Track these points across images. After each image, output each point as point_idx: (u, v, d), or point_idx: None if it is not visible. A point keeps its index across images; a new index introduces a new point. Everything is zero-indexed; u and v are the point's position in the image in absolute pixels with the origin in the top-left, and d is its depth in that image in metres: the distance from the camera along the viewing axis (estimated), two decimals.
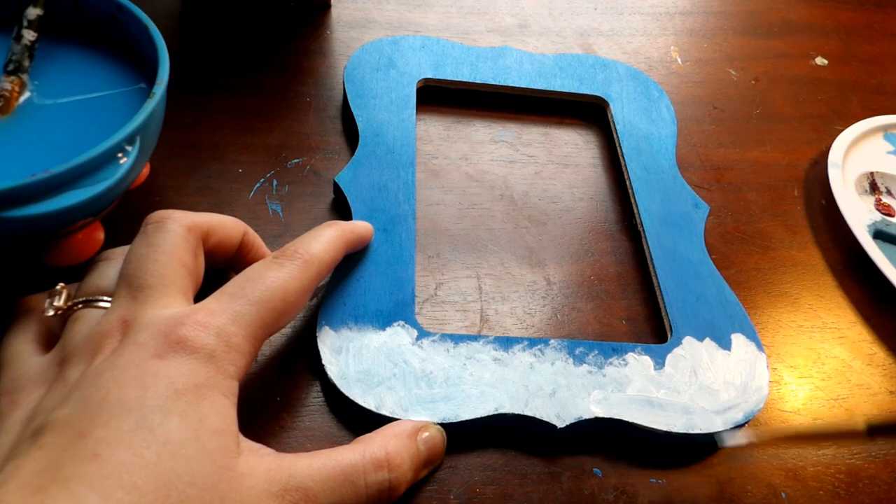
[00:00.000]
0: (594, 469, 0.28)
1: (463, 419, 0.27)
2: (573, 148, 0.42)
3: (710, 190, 0.41)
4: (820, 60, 0.52)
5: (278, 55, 0.42)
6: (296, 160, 0.37)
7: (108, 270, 0.25)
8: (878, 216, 0.40)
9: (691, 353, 0.31)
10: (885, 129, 0.46)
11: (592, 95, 0.43)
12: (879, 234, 0.39)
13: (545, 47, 0.47)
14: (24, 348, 0.24)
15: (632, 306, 0.34)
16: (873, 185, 0.43)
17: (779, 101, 0.48)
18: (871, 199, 0.42)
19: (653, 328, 0.34)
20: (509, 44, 0.46)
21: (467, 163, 0.39)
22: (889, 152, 0.45)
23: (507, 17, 0.49)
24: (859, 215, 0.39)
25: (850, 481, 0.30)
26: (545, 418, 0.28)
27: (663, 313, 0.33)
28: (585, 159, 0.41)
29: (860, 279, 0.38)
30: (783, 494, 0.29)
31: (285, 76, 0.41)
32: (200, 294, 0.24)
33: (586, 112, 0.44)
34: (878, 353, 0.35)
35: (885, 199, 0.42)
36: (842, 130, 0.44)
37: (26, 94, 0.30)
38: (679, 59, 0.50)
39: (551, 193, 0.39)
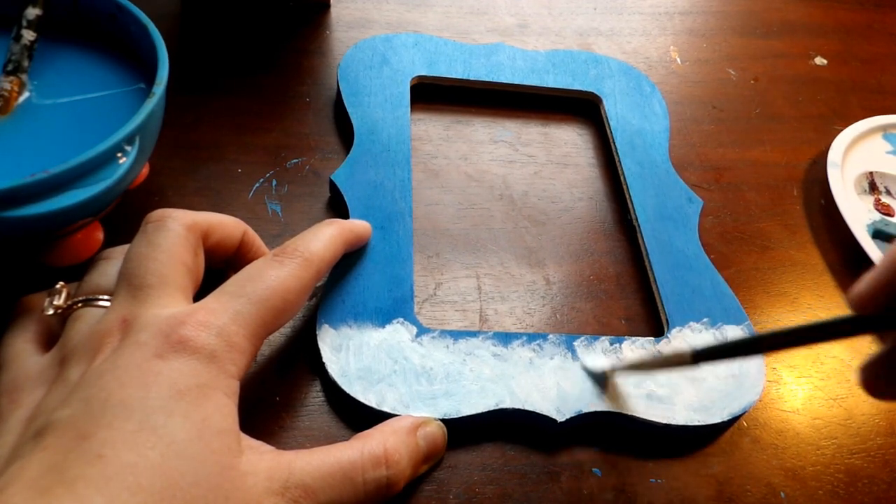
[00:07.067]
0: (593, 469, 0.28)
1: (464, 414, 0.27)
2: (572, 147, 0.42)
3: (710, 190, 0.41)
4: (819, 60, 0.52)
5: (278, 55, 0.42)
6: (295, 160, 0.37)
7: (109, 269, 0.25)
8: (877, 216, 0.40)
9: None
10: (884, 128, 0.46)
11: (585, 91, 0.43)
12: (879, 234, 0.39)
13: (544, 47, 0.47)
14: (24, 348, 0.24)
15: (630, 306, 0.34)
16: (872, 184, 0.43)
17: (778, 100, 0.48)
18: (871, 199, 0.42)
19: (651, 327, 0.34)
20: (509, 44, 0.46)
21: (466, 163, 0.39)
22: (888, 152, 0.45)
23: (507, 17, 0.49)
24: (858, 215, 0.40)
25: (849, 481, 0.30)
26: (545, 412, 0.28)
27: (660, 307, 0.33)
28: (585, 159, 0.41)
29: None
30: (782, 494, 0.29)
31: (284, 76, 0.41)
32: (200, 293, 0.25)
33: (581, 108, 0.44)
34: None
35: (885, 199, 0.42)
36: (841, 130, 0.44)
37: (25, 94, 0.30)
38: (678, 59, 0.50)
39: (550, 193, 0.39)
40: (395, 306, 0.30)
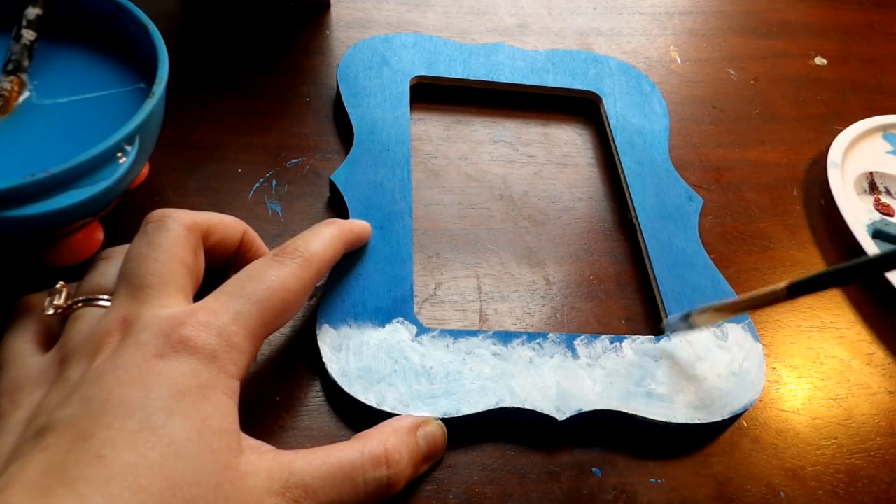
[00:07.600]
0: (593, 468, 0.28)
1: (464, 414, 0.27)
2: (572, 147, 0.42)
3: (710, 190, 0.41)
4: (819, 60, 0.52)
5: (278, 55, 0.42)
6: (295, 160, 0.37)
7: (109, 269, 0.25)
8: (877, 216, 0.40)
9: (688, 344, 0.31)
10: (884, 128, 0.46)
11: (585, 91, 0.43)
12: (878, 234, 0.39)
13: (544, 47, 0.47)
14: (25, 347, 0.24)
15: (630, 306, 0.34)
16: (872, 184, 0.43)
17: (778, 100, 0.48)
18: (871, 199, 0.42)
19: (651, 327, 0.34)
20: (509, 44, 0.46)
21: (467, 162, 0.39)
22: (888, 152, 0.45)
23: (507, 17, 0.49)
24: (858, 215, 0.40)
25: (849, 481, 0.30)
26: (545, 411, 0.28)
27: (660, 305, 0.33)
28: (585, 159, 0.41)
29: None
30: (782, 494, 0.29)
31: (285, 76, 0.41)
32: (200, 293, 0.25)
33: (580, 108, 0.44)
34: (878, 352, 0.35)
35: (885, 199, 0.42)
36: (841, 130, 0.44)
37: (25, 94, 0.30)
38: (678, 59, 0.50)
39: (550, 193, 0.39)
40: (394, 306, 0.30)
